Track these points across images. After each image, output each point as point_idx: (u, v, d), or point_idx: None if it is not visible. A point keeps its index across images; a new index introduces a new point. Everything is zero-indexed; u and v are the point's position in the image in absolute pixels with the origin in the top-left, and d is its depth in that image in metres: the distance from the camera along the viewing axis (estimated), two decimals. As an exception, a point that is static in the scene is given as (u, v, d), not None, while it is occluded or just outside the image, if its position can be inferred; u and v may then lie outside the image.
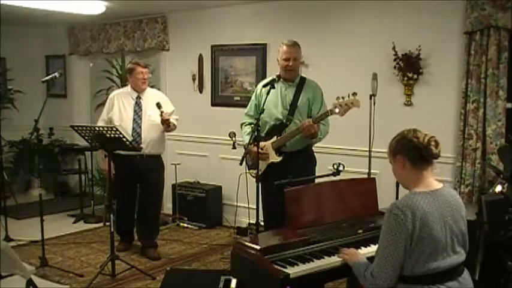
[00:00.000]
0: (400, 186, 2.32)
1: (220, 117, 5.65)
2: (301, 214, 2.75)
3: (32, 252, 4.69)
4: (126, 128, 4.37)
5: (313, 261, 2.49)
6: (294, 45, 3.73)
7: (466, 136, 4.13)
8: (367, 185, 3.03)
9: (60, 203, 6.72)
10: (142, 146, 4.39)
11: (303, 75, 3.89)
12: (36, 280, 3.19)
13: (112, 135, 3.93)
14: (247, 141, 3.75)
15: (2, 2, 4.98)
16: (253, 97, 3.96)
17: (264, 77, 5.08)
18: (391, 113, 4.39)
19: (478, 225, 3.20)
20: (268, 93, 3.54)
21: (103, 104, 4.92)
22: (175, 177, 5.72)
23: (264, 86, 3.73)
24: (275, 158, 3.72)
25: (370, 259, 2.27)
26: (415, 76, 4.37)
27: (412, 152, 2.15)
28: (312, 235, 2.64)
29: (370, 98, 3.96)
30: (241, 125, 3.98)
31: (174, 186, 5.77)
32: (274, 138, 3.73)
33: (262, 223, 3.78)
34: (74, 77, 7.31)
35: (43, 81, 4.82)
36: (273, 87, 3.53)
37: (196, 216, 5.59)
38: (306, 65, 4.84)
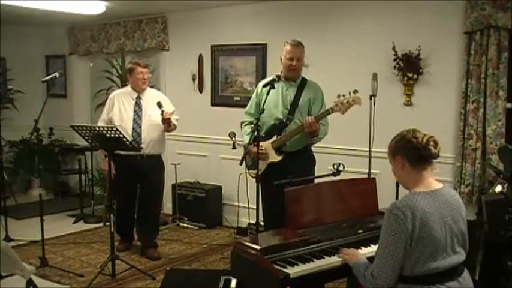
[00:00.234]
0: (400, 186, 2.32)
1: (220, 117, 5.65)
2: (301, 214, 2.75)
3: (32, 252, 4.69)
4: (126, 128, 4.38)
5: (313, 261, 2.49)
6: (299, 45, 3.74)
7: (466, 136, 4.13)
8: (367, 185, 3.03)
9: (60, 203, 6.72)
10: (142, 146, 4.39)
11: (303, 75, 3.89)
12: (36, 280, 3.19)
13: (112, 135, 3.93)
14: (246, 141, 3.75)
15: (2, 2, 4.98)
16: (253, 95, 3.97)
17: (264, 77, 5.08)
18: (391, 113, 4.39)
19: (478, 225, 3.20)
20: (268, 93, 3.54)
21: (103, 104, 4.92)
22: (175, 177, 5.72)
23: (264, 86, 3.73)
24: (275, 158, 3.72)
25: (370, 259, 2.27)
26: (415, 76, 4.37)
27: (411, 152, 2.15)
28: (312, 235, 2.64)
29: (370, 98, 3.96)
30: (241, 124, 3.98)
31: (174, 186, 5.77)
32: (274, 138, 3.73)
33: (262, 223, 3.78)
34: (74, 77, 7.31)
35: (43, 81, 4.82)
36: (273, 87, 3.54)
37: (196, 216, 5.59)
38: (306, 65, 4.80)
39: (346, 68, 4.75)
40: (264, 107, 3.55)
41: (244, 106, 4.10)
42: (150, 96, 4.58)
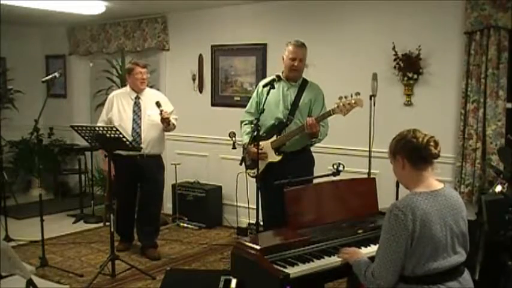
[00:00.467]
0: (400, 186, 2.32)
1: (220, 117, 5.65)
2: (301, 214, 2.75)
3: (32, 252, 4.69)
4: (126, 128, 4.38)
5: (313, 261, 2.49)
6: (302, 46, 3.73)
7: (466, 136, 4.13)
8: (367, 185, 3.03)
9: (60, 203, 6.71)
10: (142, 146, 4.39)
11: (304, 76, 3.89)
12: (36, 280, 3.18)
13: (112, 135, 3.93)
14: (246, 140, 3.75)
15: (2, 2, 4.98)
16: (254, 95, 3.96)
17: (264, 77, 5.08)
18: (391, 113, 4.39)
19: (478, 225, 3.20)
20: (268, 93, 3.54)
21: (103, 104, 4.92)
22: (175, 177, 5.72)
23: (264, 85, 3.73)
24: (274, 158, 3.72)
25: (371, 259, 2.28)
26: (415, 76, 4.36)
27: (412, 153, 2.15)
28: (312, 235, 2.64)
29: (370, 98, 3.96)
30: (241, 122, 3.98)
31: (174, 186, 5.77)
32: (274, 138, 3.73)
33: (262, 223, 3.78)
34: (74, 77, 7.31)
35: (43, 81, 4.81)
36: (273, 87, 3.54)
37: (196, 216, 5.59)
38: (305, 65, 4.82)
39: (346, 68, 4.76)
40: (265, 107, 3.55)
41: (244, 106, 4.10)
42: (149, 96, 4.58)
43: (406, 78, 4.39)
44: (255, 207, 3.47)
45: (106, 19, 6.43)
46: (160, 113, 4.37)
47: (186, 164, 5.86)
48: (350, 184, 2.97)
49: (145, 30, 6.21)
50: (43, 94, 7.08)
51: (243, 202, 4.74)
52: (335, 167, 3.14)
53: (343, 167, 3.13)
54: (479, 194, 3.96)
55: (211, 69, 5.78)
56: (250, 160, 3.79)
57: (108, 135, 3.94)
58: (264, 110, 3.54)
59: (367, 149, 4.07)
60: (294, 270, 2.38)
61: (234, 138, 3.99)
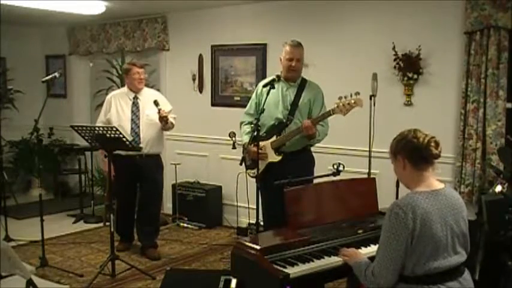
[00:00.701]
0: (400, 186, 2.32)
1: (220, 117, 5.65)
2: (301, 214, 2.75)
3: (32, 252, 4.69)
4: (125, 129, 4.38)
5: (313, 261, 2.49)
6: (298, 46, 3.73)
7: (466, 136, 4.13)
8: (367, 185, 3.03)
9: (60, 203, 6.72)
10: (141, 145, 4.39)
11: (303, 75, 3.89)
12: (36, 280, 3.19)
13: (112, 135, 3.93)
14: (246, 140, 3.75)
15: (2, 2, 4.98)
16: (253, 96, 3.96)
17: (264, 77, 5.08)
18: (391, 113, 4.39)
19: (478, 225, 3.20)
20: (268, 94, 3.54)
21: (103, 104, 4.92)
22: (175, 177, 5.72)
23: (264, 86, 3.73)
24: (274, 158, 3.71)
25: (371, 259, 2.27)
26: (415, 76, 4.36)
27: (412, 153, 2.15)
28: (312, 235, 2.64)
29: (370, 98, 3.96)
30: (241, 123, 3.98)
31: (174, 186, 5.77)
32: (274, 138, 3.73)
33: (262, 223, 3.78)
34: (74, 77, 7.31)
35: (43, 81, 4.81)
36: (273, 88, 3.54)
37: (196, 216, 5.59)
38: (305, 65, 4.78)
39: (346, 68, 4.75)
40: (264, 107, 3.55)
41: (244, 106, 4.10)
42: (147, 96, 4.58)
43: (406, 78, 4.39)
44: (255, 207, 3.47)
45: (106, 19, 6.43)
46: (158, 112, 4.38)
47: (186, 164, 5.86)
48: (350, 184, 2.97)
49: (145, 30, 6.21)
50: (43, 94, 7.08)
51: (243, 202, 4.74)
52: (335, 167, 3.14)
53: (343, 167, 3.13)
54: (479, 194, 3.96)
55: (211, 69, 5.78)
56: (250, 160, 3.79)
57: (108, 135, 3.95)
58: (264, 110, 3.54)
59: (367, 149, 4.07)
60: (294, 270, 2.38)
61: (234, 138, 3.99)
